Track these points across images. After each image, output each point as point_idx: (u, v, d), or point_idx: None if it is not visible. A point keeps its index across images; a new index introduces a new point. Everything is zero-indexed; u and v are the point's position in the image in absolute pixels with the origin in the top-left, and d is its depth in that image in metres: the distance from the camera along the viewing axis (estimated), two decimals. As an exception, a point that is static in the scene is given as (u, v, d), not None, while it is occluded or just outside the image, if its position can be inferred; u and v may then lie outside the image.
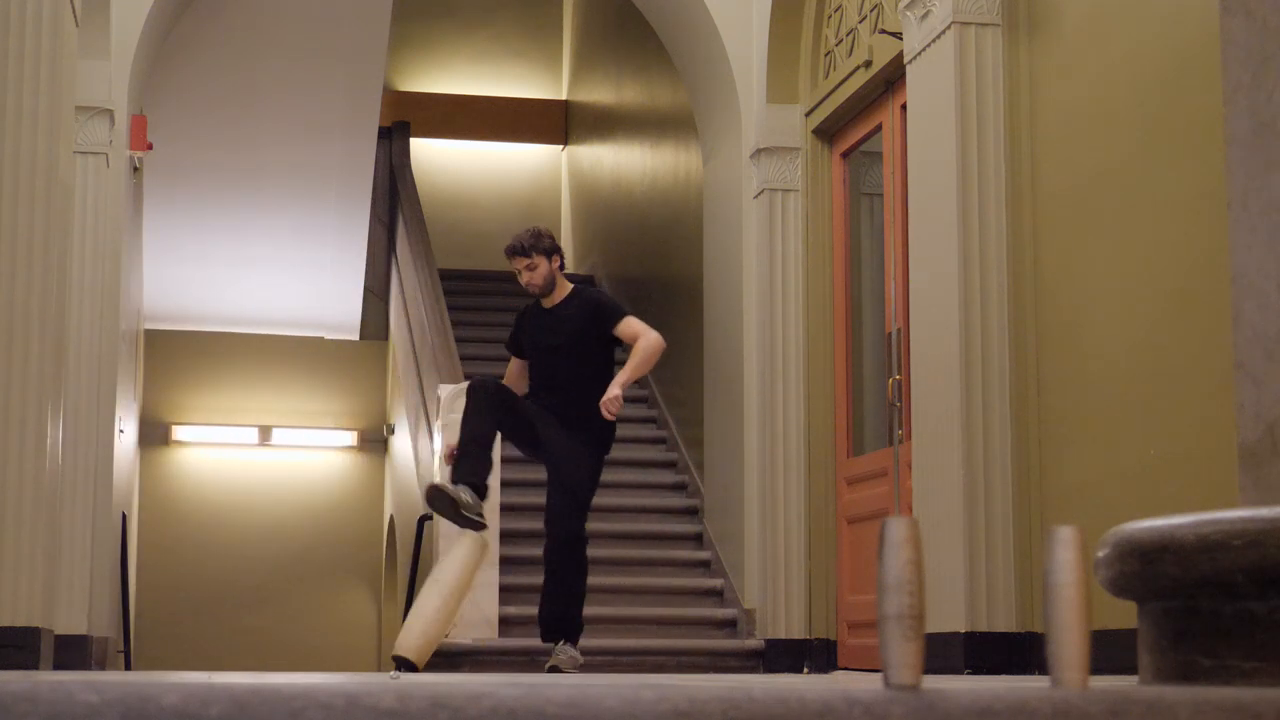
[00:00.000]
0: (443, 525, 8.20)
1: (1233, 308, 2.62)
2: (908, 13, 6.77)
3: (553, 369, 6.70)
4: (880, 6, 7.69)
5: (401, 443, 12.37)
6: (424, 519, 8.92)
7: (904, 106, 7.27)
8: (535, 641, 8.18)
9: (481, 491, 6.45)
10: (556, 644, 6.60)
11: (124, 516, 9.81)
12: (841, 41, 8.21)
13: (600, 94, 14.49)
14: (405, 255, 12.31)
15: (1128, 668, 2.67)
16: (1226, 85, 2.68)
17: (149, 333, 12.86)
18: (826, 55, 8.44)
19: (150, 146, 9.35)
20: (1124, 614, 2.61)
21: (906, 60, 6.86)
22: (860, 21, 7.96)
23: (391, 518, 13.13)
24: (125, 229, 8.77)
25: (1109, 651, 3.09)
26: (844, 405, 8.25)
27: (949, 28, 6.39)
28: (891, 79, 7.61)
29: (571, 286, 6.82)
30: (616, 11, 12.95)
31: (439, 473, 7.39)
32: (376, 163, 12.58)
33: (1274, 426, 2.49)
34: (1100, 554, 2.38)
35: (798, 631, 8.25)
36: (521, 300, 13.30)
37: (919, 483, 6.55)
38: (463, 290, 12.65)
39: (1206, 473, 4.93)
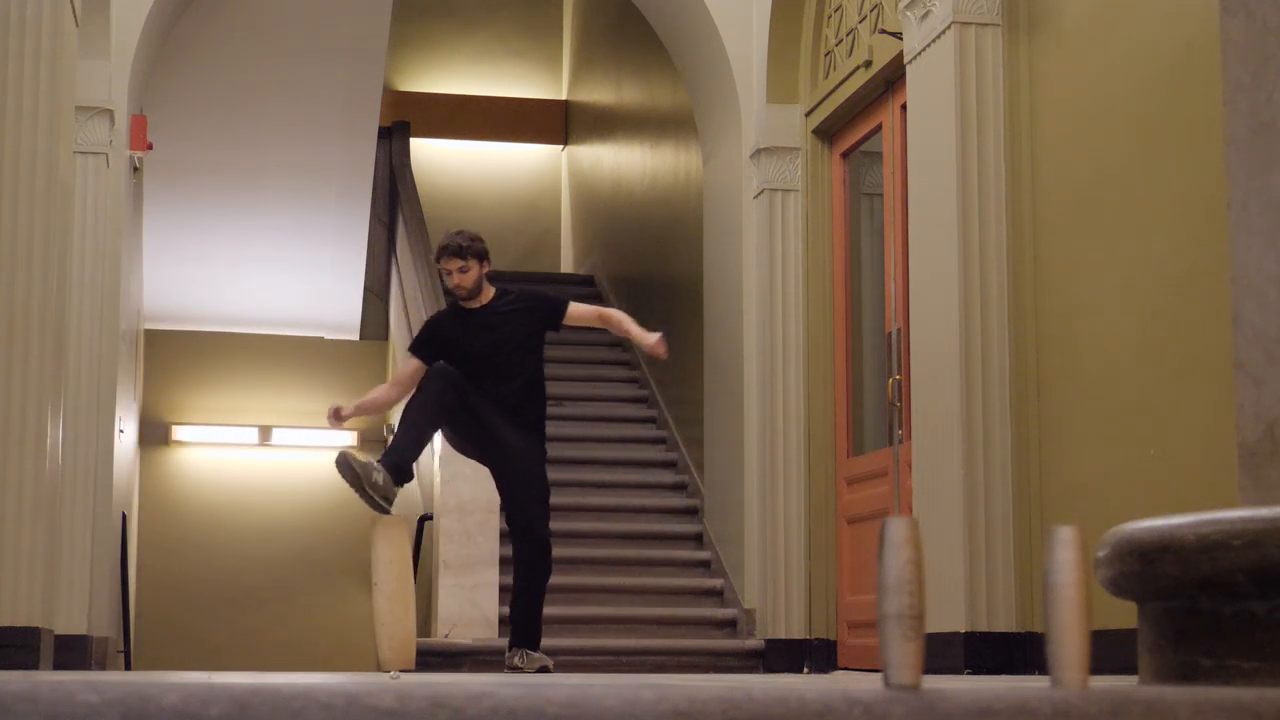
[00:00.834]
0: (442, 524, 8.21)
1: (1233, 308, 2.62)
2: (908, 13, 6.77)
3: (492, 371, 6.65)
4: (880, 6, 7.69)
5: (401, 443, 12.36)
6: (424, 518, 8.92)
7: (904, 106, 7.27)
8: (535, 641, 8.19)
9: (403, 477, 6.44)
10: (522, 649, 6.56)
11: (124, 516, 9.81)
12: (841, 41, 8.21)
13: (600, 94, 14.49)
14: (405, 255, 12.31)
15: (1128, 668, 2.67)
16: (1226, 85, 2.68)
17: (149, 333, 12.86)
18: (826, 55, 8.44)
19: (150, 146, 9.35)
20: (1124, 614, 2.61)
21: (906, 60, 6.86)
22: (860, 21, 7.96)
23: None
24: (125, 229, 8.77)
25: (1109, 651, 3.09)
26: (844, 405, 8.24)
27: (949, 28, 6.39)
28: (891, 79, 7.61)
29: (495, 288, 6.79)
30: (616, 11, 12.95)
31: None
32: (376, 163, 12.58)
33: (1274, 426, 2.49)
34: (1100, 554, 2.38)
35: (798, 631, 8.25)
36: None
37: (919, 483, 6.55)
38: (463, 290, 12.62)
39: (1206, 473, 4.93)
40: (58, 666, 6.50)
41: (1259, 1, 2.60)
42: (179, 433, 13.57)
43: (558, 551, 9.12)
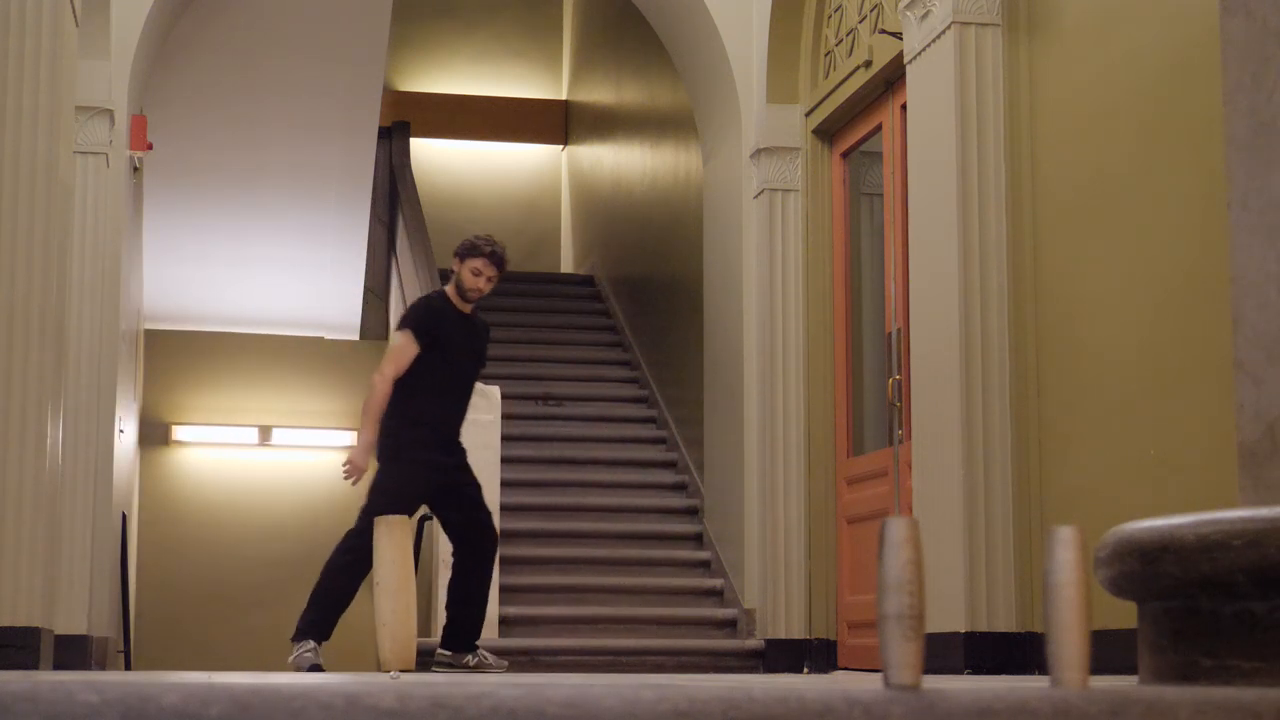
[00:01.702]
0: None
1: (1233, 308, 2.62)
2: (908, 13, 6.77)
3: (464, 377, 6.73)
4: (880, 6, 7.69)
5: (401, 443, 12.36)
6: (424, 518, 8.91)
7: (904, 106, 7.27)
8: (535, 641, 8.20)
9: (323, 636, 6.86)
10: (476, 650, 6.69)
11: (124, 516, 9.81)
12: (841, 41, 8.21)
13: (600, 94, 14.49)
14: (405, 255, 12.31)
15: (1128, 668, 2.67)
16: (1226, 85, 2.68)
17: (149, 333, 12.86)
18: (826, 55, 8.44)
19: (150, 146, 9.35)
20: (1124, 614, 2.61)
21: (906, 60, 6.86)
22: (860, 21, 7.96)
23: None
24: (125, 229, 8.77)
25: (1109, 651, 3.09)
26: (844, 405, 8.25)
27: (949, 28, 6.39)
28: (891, 79, 7.61)
29: None
30: (616, 11, 12.95)
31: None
32: (376, 163, 12.57)
33: (1274, 426, 2.49)
34: (1100, 554, 2.38)
35: (798, 631, 8.25)
36: (519, 300, 13.33)
37: (919, 483, 6.55)
38: (463, 290, 12.63)
39: (1206, 473, 4.93)
40: (58, 666, 6.50)
41: (1259, 1, 2.60)
42: (179, 433, 13.57)
43: (559, 551, 9.16)
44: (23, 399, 5.67)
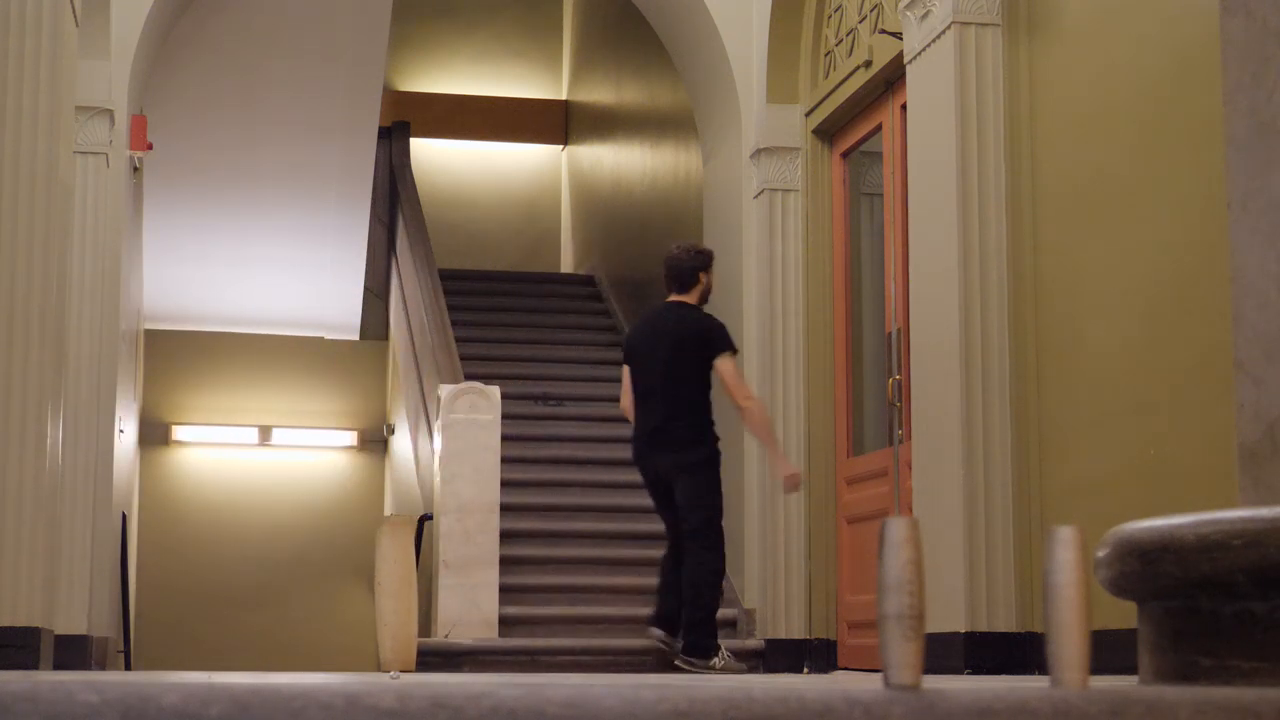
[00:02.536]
0: (442, 524, 8.21)
1: (1233, 308, 2.62)
2: (908, 13, 6.77)
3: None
4: (880, 6, 7.69)
5: (401, 443, 12.37)
6: (424, 518, 8.91)
7: (904, 106, 7.27)
8: (535, 641, 8.19)
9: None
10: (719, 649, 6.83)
11: (124, 516, 9.81)
12: (841, 41, 8.21)
13: (600, 94, 14.49)
14: (405, 255, 12.31)
15: (1128, 668, 2.67)
16: (1226, 85, 2.68)
17: (149, 333, 12.86)
18: (826, 55, 8.44)
19: (150, 146, 9.35)
20: (1124, 614, 2.61)
21: (906, 60, 6.85)
22: (860, 21, 7.96)
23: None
24: (125, 229, 8.77)
25: (1109, 651, 3.09)
26: (844, 405, 8.25)
27: (949, 28, 6.39)
28: (891, 79, 7.61)
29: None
30: (616, 11, 12.95)
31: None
32: (376, 163, 12.58)
33: (1274, 426, 2.49)
34: (1100, 554, 2.38)
35: (798, 631, 8.25)
36: (519, 300, 13.32)
37: (919, 482, 6.55)
38: (463, 290, 12.66)
39: (1206, 473, 4.92)
40: (58, 666, 6.50)
41: (1259, 1, 2.60)
42: (179, 433, 13.57)
43: (559, 551, 9.15)
44: (23, 399, 5.67)
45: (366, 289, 13.54)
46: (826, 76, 8.40)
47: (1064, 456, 5.93)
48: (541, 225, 15.93)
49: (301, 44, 11.02)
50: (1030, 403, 6.13)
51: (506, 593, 8.35)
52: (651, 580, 9.13)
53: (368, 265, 13.32)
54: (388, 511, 13.42)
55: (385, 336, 13.84)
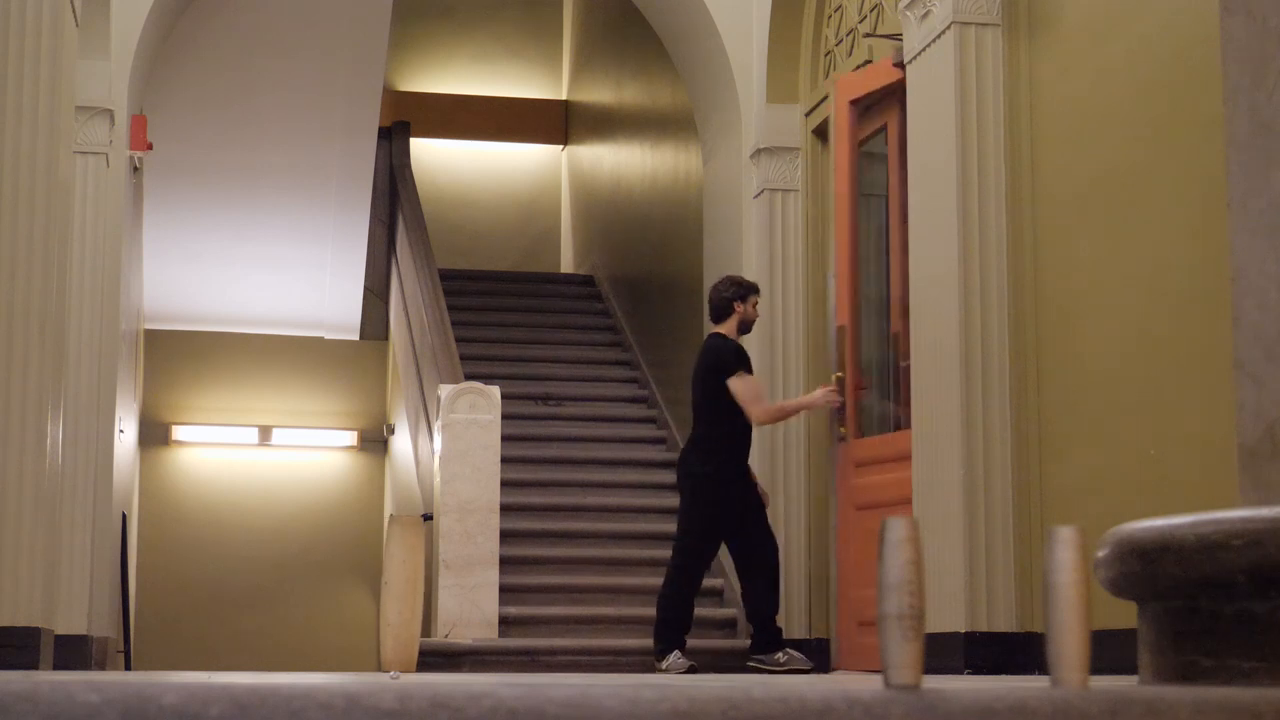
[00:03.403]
0: (442, 524, 8.21)
1: (1233, 308, 2.62)
2: (908, 13, 6.77)
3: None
4: (880, 6, 7.69)
5: (401, 442, 12.37)
6: (424, 518, 8.92)
7: (904, 106, 7.26)
8: (535, 641, 8.19)
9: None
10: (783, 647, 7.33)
11: (124, 516, 9.81)
12: (841, 42, 8.21)
13: (600, 94, 14.49)
14: (405, 255, 12.32)
15: (1128, 668, 2.67)
16: (1226, 85, 2.68)
17: (149, 333, 12.86)
18: (826, 55, 8.44)
19: (150, 146, 9.35)
20: (1124, 614, 2.61)
21: (906, 60, 6.85)
22: (860, 21, 7.96)
23: (391, 517, 13.12)
24: (125, 229, 8.77)
25: (1109, 651, 3.09)
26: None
27: (949, 28, 6.39)
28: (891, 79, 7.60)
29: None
30: (616, 11, 12.95)
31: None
32: (376, 163, 12.58)
33: (1274, 426, 2.49)
34: (1100, 554, 2.38)
35: (798, 631, 8.24)
36: (519, 300, 13.31)
37: (919, 482, 6.54)
38: (463, 290, 12.66)
39: (1206, 473, 4.93)
40: (58, 666, 6.50)
41: (1259, 1, 2.60)
42: (179, 433, 13.57)
43: (558, 551, 9.16)
44: (23, 399, 5.67)
45: (366, 289, 13.54)
46: (826, 76, 8.40)
47: (1064, 456, 5.93)
48: (541, 225, 15.93)
49: (302, 44, 11.02)
50: (1030, 403, 6.13)
51: (506, 593, 8.35)
52: (651, 580, 9.14)
53: (368, 265, 13.32)
54: (388, 511, 13.42)
55: (385, 336, 13.84)
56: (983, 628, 6.04)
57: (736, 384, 7.31)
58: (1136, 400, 5.48)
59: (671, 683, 2.41)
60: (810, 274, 8.48)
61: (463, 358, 9.81)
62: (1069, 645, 1.87)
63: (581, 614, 8.59)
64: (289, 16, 10.84)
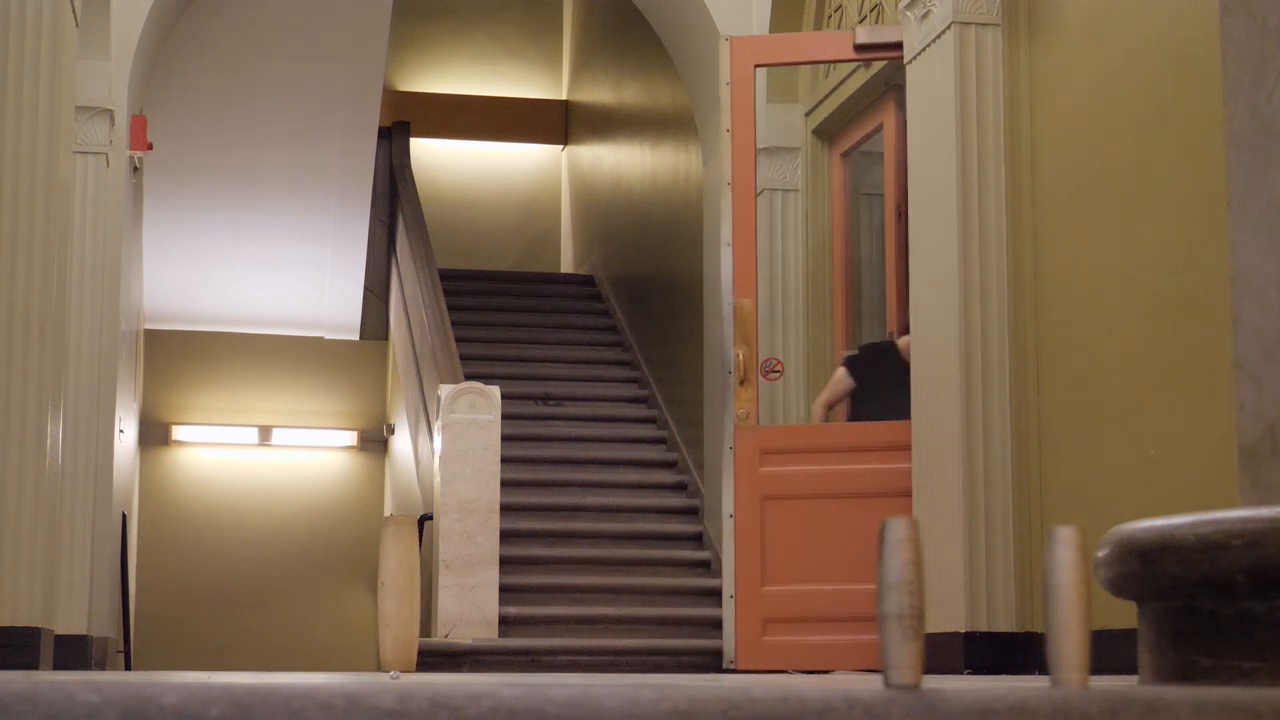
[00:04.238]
0: (442, 524, 8.21)
1: (1233, 308, 2.62)
2: (908, 13, 6.77)
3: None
4: (880, 6, 7.69)
5: (401, 442, 12.37)
6: (424, 518, 8.92)
7: (904, 106, 7.27)
8: (535, 641, 8.19)
9: None
10: None
11: (124, 516, 9.81)
12: (841, 41, 8.21)
13: (600, 94, 14.48)
14: (405, 255, 12.31)
15: (1128, 668, 2.67)
16: (1226, 85, 2.68)
17: (149, 333, 12.86)
18: (826, 55, 8.43)
19: (150, 146, 9.35)
20: (1124, 614, 2.61)
21: (906, 60, 6.85)
22: (860, 21, 7.96)
23: (386, 518, 13.12)
24: (125, 229, 8.77)
25: (1109, 651, 3.09)
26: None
27: (949, 28, 6.39)
28: (891, 79, 7.60)
29: None
30: (616, 11, 12.95)
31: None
32: (376, 163, 12.58)
33: (1274, 426, 2.49)
34: (1100, 554, 2.38)
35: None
36: (520, 300, 13.31)
37: (918, 482, 6.54)
38: (463, 290, 12.66)
39: (1206, 473, 4.93)
40: (58, 666, 6.50)
41: (1259, 1, 2.60)
42: (179, 433, 13.57)
43: (558, 551, 9.16)
44: (23, 399, 5.67)
45: (366, 289, 13.54)
46: (826, 76, 8.41)
47: (1064, 456, 5.93)
48: (541, 225, 15.93)
49: (302, 44, 11.02)
50: (1030, 402, 6.12)
51: (506, 593, 8.35)
52: (651, 580, 9.15)
53: (368, 265, 13.32)
54: (388, 512, 13.42)
55: (385, 336, 13.84)
56: (983, 628, 6.04)
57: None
58: (1136, 400, 5.48)
59: (671, 682, 2.41)
60: (810, 274, 8.48)
61: (463, 358, 9.81)
62: (1069, 645, 1.87)
63: (581, 614, 8.59)
64: (289, 16, 10.84)
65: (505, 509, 8.56)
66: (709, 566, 9.26)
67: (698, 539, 9.52)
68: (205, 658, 12.69)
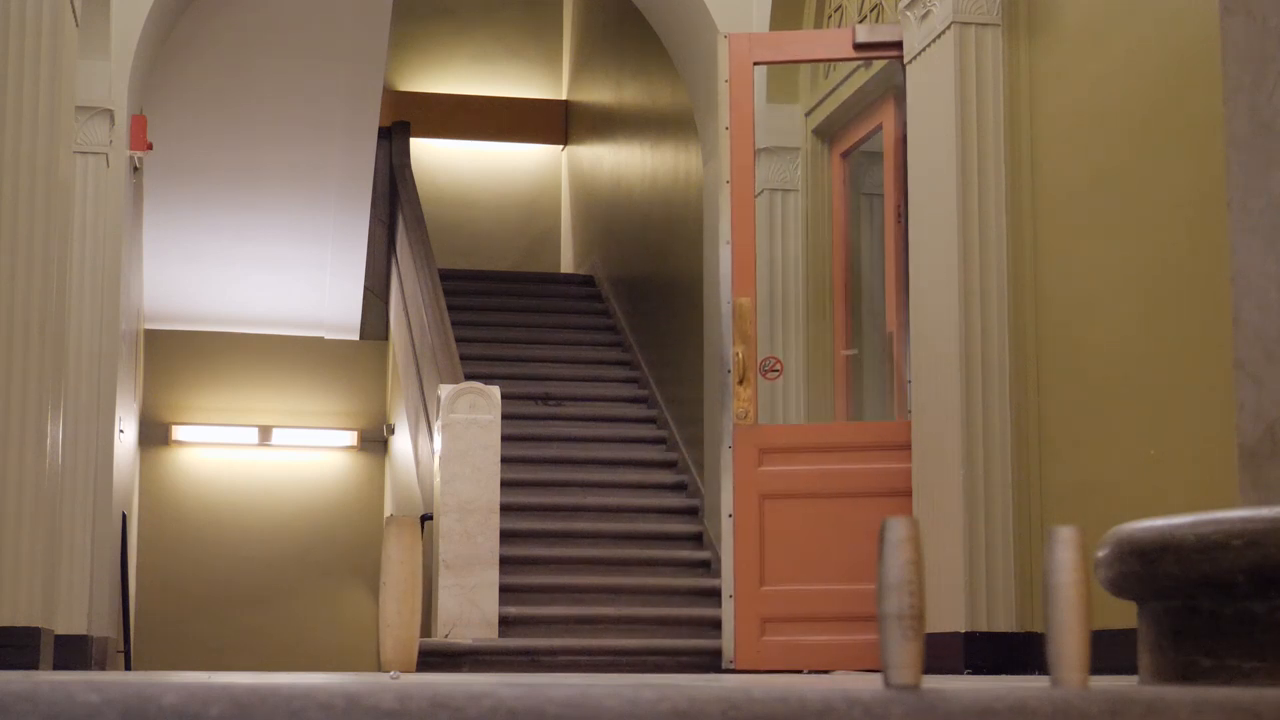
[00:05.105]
0: (442, 524, 8.21)
1: (1233, 308, 2.62)
2: (908, 13, 6.77)
3: None
4: (880, 6, 7.69)
5: (401, 442, 12.37)
6: (424, 518, 8.92)
7: (904, 106, 7.26)
8: (535, 641, 8.19)
9: None
10: None
11: (124, 516, 9.81)
12: (841, 41, 8.20)
13: (600, 94, 14.49)
14: (405, 255, 12.32)
15: (1128, 668, 2.67)
16: (1226, 85, 2.68)
17: (149, 333, 12.86)
18: (826, 55, 8.43)
19: (150, 146, 9.35)
20: (1124, 614, 2.61)
21: (906, 60, 6.85)
22: (860, 21, 7.95)
23: (388, 518, 13.12)
24: (125, 229, 8.77)
25: (1109, 651, 3.09)
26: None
27: (949, 28, 6.39)
28: (891, 79, 7.60)
29: None
30: (616, 11, 12.95)
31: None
32: (376, 163, 12.58)
33: (1274, 426, 2.49)
34: (1100, 554, 2.38)
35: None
36: (520, 300, 13.30)
37: (918, 481, 6.54)
38: (463, 290, 12.66)
39: (1206, 473, 4.93)
40: (58, 666, 6.50)
41: (1259, 1, 2.60)
42: (179, 433, 13.57)
43: (558, 551, 9.16)
44: (23, 399, 5.67)
45: (366, 289, 13.54)
46: (826, 76, 8.40)
47: (1064, 456, 5.93)
48: (541, 225, 15.93)
49: (301, 44, 11.02)
50: (1030, 403, 6.13)
51: (506, 593, 8.35)
52: (651, 580, 9.15)
53: (368, 265, 13.32)
54: (388, 512, 13.43)
55: (385, 336, 13.84)
56: (983, 628, 6.04)
57: None
58: (1136, 400, 5.48)
59: (671, 682, 2.41)
60: (811, 274, 8.48)
61: (463, 358, 9.81)
62: (1069, 645, 1.87)
63: (581, 614, 8.59)
64: (289, 16, 10.84)
65: (505, 509, 8.56)
66: (709, 566, 9.26)
67: (697, 539, 9.52)
68: (205, 658, 12.69)
